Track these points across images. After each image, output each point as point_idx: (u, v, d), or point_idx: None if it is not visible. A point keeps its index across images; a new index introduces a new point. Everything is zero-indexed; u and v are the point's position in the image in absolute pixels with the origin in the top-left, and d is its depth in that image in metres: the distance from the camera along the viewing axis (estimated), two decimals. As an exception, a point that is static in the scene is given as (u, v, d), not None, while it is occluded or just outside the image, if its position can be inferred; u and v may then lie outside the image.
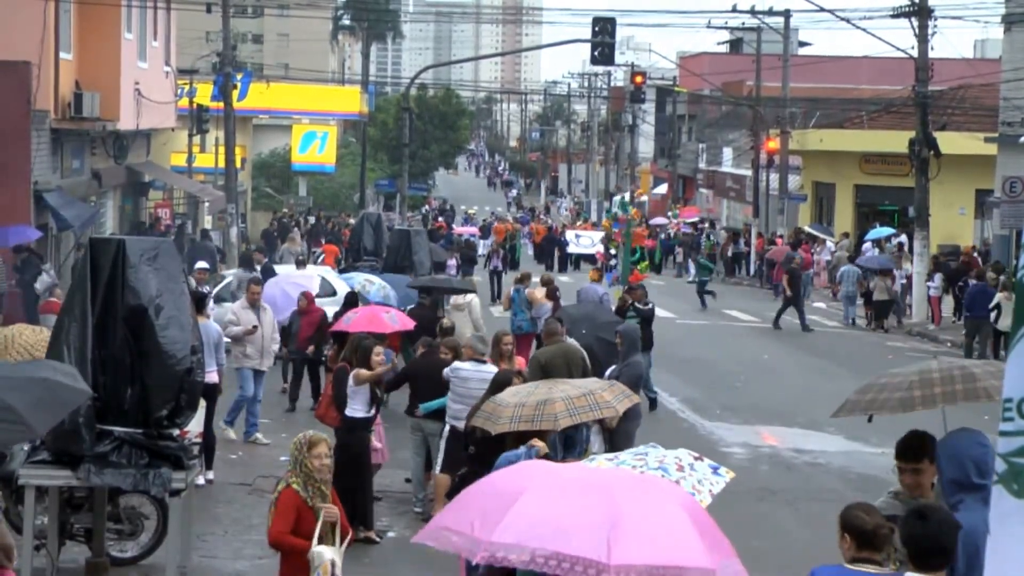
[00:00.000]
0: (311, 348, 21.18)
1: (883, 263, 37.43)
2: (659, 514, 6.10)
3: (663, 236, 59.76)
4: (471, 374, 14.50)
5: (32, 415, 8.64)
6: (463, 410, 14.04)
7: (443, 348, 15.57)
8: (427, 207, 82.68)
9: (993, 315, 27.61)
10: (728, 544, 6.34)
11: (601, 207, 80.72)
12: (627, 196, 55.22)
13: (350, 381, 14.02)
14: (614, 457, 9.21)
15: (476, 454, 11.93)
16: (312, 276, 26.57)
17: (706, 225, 63.19)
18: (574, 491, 6.07)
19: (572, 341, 17.13)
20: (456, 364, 14.76)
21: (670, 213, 72.82)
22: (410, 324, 19.79)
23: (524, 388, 11.12)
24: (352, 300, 21.65)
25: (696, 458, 9.19)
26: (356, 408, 14.07)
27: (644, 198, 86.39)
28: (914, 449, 7.58)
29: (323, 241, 48.60)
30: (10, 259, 27.68)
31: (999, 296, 27.32)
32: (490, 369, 14.28)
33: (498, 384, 12.61)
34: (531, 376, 14.92)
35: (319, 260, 40.10)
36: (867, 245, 44.59)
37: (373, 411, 14.31)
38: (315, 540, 8.99)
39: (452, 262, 39.89)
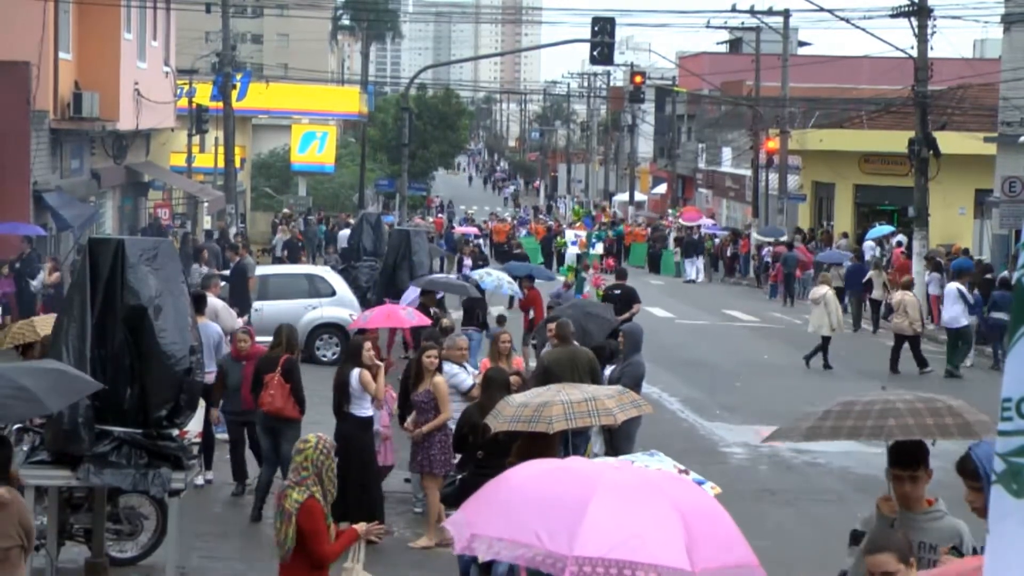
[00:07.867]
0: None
1: (833, 257, 41.23)
2: (713, 512, 6.24)
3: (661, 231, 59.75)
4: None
5: (46, 395, 8.96)
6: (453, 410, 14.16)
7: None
8: (431, 206, 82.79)
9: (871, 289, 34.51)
10: None
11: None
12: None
13: (353, 381, 13.94)
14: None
15: (483, 456, 11.84)
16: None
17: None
18: (635, 495, 6.10)
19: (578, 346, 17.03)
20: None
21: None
22: (425, 320, 19.32)
23: (537, 390, 11.15)
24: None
25: (681, 471, 9.12)
26: (365, 408, 14.03)
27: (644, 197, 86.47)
28: (911, 454, 7.18)
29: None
30: (18, 248, 27.71)
31: (871, 272, 34.99)
32: (454, 371, 14.53)
33: (488, 381, 12.64)
34: (535, 377, 14.96)
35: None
36: (868, 244, 44.58)
37: (374, 410, 14.31)
38: (353, 559, 8.70)
39: (468, 261, 40.18)
